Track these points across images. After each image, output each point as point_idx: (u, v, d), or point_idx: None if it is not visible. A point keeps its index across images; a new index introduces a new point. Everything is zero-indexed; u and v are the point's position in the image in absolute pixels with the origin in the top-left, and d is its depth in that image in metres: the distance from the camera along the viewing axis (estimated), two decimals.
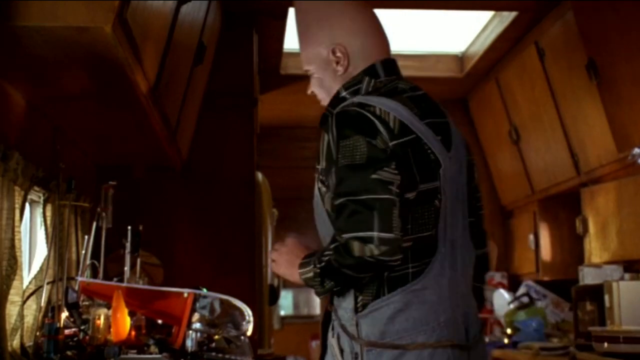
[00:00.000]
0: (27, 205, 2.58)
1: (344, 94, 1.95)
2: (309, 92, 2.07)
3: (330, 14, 2.00)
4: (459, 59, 5.26)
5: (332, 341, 1.85)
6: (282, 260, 1.89)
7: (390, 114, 1.81)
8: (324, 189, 1.86)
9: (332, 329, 1.87)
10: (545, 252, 5.11)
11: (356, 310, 1.78)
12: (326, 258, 1.74)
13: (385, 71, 1.96)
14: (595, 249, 4.21)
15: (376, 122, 1.78)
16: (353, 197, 1.70)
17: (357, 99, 1.88)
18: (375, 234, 1.65)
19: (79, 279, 2.58)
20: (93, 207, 3.07)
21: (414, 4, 4.21)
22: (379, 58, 1.97)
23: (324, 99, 2.02)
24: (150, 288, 2.63)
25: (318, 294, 1.81)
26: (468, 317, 1.85)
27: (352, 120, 1.80)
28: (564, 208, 4.98)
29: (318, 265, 1.75)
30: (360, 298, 1.78)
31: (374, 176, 1.70)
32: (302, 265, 1.81)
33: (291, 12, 2.22)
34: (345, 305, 1.81)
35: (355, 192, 1.70)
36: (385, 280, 1.76)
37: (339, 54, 1.96)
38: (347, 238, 1.67)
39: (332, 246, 1.71)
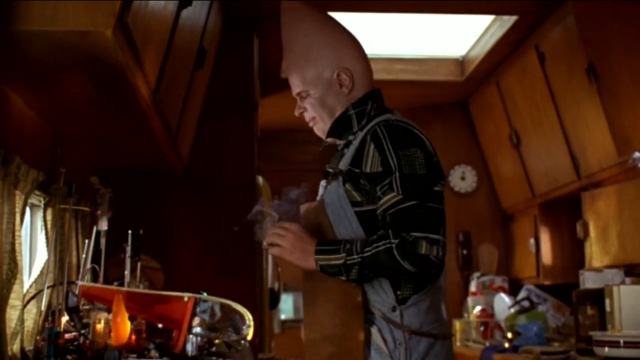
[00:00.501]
0: (27, 209, 2.58)
1: (351, 112, 2.04)
2: (297, 113, 2.12)
3: (333, 38, 2.07)
4: (460, 63, 5.26)
5: (374, 331, 1.96)
6: (291, 246, 1.97)
7: (423, 134, 1.98)
8: (353, 192, 1.95)
9: (367, 321, 1.97)
10: (546, 256, 5.10)
11: (398, 303, 1.93)
12: (378, 249, 1.86)
13: (380, 98, 2.09)
14: (596, 252, 4.20)
15: (423, 137, 1.95)
16: (423, 201, 1.87)
17: (390, 116, 2.00)
18: (441, 238, 1.86)
19: (80, 283, 2.58)
20: (93, 211, 3.07)
21: (415, 8, 4.21)
22: (372, 85, 2.10)
23: (324, 119, 2.07)
24: (150, 292, 2.63)
25: (351, 281, 1.91)
26: None
27: (406, 133, 1.94)
28: (564, 212, 4.98)
29: (361, 255, 1.87)
30: (399, 292, 1.93)
31: (436, 188, 1.91)
32: (322, 252, 1.92)
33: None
34: (384, 299, 1.94)
35: (424, 198, 1.88)
36: (420, 278, 1.93)
37: (344, 77, 2.04)
38: (417, 236, 1.84)
39: (397, 240, 1.84)
